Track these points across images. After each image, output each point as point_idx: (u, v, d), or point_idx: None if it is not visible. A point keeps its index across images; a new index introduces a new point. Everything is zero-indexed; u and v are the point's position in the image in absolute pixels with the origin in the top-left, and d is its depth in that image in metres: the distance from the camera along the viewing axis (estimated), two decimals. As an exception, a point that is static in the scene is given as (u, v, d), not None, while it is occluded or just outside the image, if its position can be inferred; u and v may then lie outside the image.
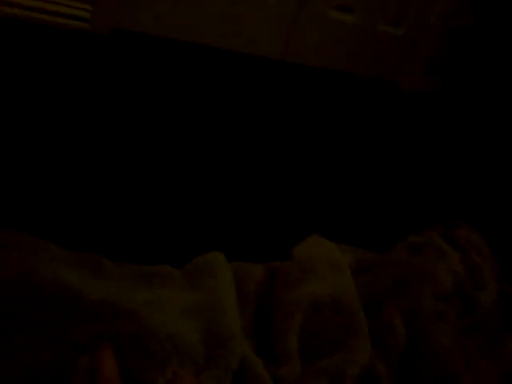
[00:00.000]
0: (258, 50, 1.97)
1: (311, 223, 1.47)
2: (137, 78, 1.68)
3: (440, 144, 2.00)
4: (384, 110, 2.05)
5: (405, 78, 2.14)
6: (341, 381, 1.03)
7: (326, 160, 1.73)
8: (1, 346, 0.83)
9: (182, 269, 1.12)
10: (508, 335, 1.33)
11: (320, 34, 1.97)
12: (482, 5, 2.04)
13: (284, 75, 1.97)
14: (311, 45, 1.99)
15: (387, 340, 1.16)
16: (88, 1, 1.64)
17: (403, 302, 1.21)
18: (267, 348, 1.07)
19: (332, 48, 2.02)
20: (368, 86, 2.13)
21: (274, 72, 1.97)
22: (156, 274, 1.09)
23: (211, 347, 0.93)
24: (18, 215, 1.17)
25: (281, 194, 1.53)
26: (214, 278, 1.04)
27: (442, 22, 2.02)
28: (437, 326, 1.20)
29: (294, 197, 1.54)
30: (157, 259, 1.15)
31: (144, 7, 1.76)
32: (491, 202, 1.79)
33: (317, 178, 1.64)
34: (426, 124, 2.07)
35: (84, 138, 1.41)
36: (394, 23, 2.02)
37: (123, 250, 1.17)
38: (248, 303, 1.12)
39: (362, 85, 2.11)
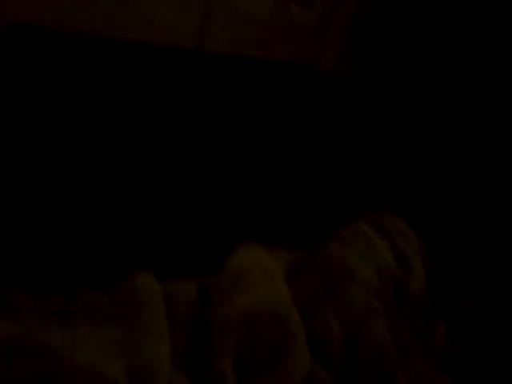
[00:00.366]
0: (170, 39, 1.87)
1: (241, 223, 1.42)
2: (37, 74, 1.54)
3: (359, 131, 2.00)
4: (303, 96, 2.02)
5: (321, 62, 2.12)
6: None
7: (245, 156, 1.67)
8: None
9: (107, 296, 1.04)
10: (438, 318, 1.37)
11: (234, 20, 1.90)
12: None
13: (200, 65, 1.88)
14: (226, 31, 1.92)
15: (326, 344, 1.15)
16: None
17: (338, 303, 1.20)
18: (202, 371, 1.02)
19: (247, 33, 1.96)
20: (286, 71, 2.08)
21: (190, 62, 1.88)
22: (77, 304, 1.00)
23: (135, 382, 0.88)
24: None
25: (205, 198, 1.46)
26: (139, 308, 0.98)
27: (353, 8, 2.01)
28: (372, 322, 1.20)
29: (219, 198, 1.48)
30: (86, 272, 1.08)
31: (43, 1, 1.61)
32: (414, 189, 1.82)
33: (238, 176, 1.59)
34: (343, 110, 2.07)
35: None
36: (307, 7, 1.99)
37: (49, 265, 1.08)
38: (181, 325, 1.06)
39: (279, 71, 2.06)
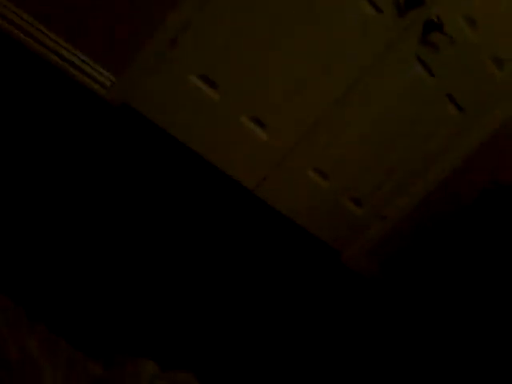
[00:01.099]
0: (235, 173, 2.11)
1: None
2: (127, 156, 1.74)
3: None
4: (324, 278, 2.15)
5: (347, 252, 2.33)
6: None
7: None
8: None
9: (110, 371, 1.06)
10: None
11: (293, 186, 2.16)
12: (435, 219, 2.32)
13: (250, 207, 2.08)
14: (281, 190, 2.17)
15: None
16: (114, 71, 1.76)
17: None
18: None
19: (298, 200, 2.21)
20: (314, 246, 2.27)
21: (241, 197, 2.08)
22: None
23: None
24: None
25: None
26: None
27: (396, 219, 2.28)
28: None
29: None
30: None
31: (161, 99, 1.89)
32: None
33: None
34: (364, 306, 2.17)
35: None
36: (357, 203, 2.25)
37: None
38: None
39: (309, 242, 2.25)
